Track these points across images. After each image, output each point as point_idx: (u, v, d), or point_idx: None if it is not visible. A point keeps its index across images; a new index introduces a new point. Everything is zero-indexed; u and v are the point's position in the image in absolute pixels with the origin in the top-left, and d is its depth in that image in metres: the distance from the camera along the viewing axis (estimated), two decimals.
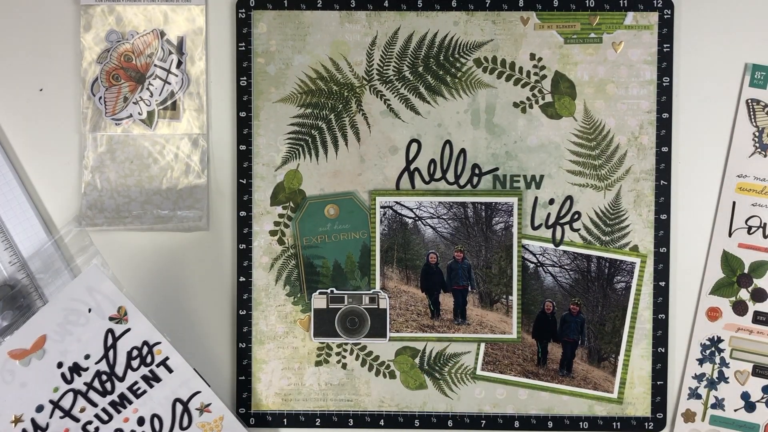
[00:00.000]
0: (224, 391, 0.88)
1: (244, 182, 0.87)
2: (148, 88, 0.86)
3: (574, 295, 0.87)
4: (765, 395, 0.85)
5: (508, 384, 0.87)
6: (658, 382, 0.87)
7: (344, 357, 0.87)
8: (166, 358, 0.82)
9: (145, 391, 0.81)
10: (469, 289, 0.87)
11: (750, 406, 0.85)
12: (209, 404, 0.82)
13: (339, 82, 0.87)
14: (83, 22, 0.87)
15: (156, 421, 0.81)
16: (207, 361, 0.88)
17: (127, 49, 0.86)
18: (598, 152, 0.86)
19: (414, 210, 0.87)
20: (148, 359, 0.81)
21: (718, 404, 0.85)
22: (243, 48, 0.87)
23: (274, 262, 0.87)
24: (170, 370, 0.82)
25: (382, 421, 0.87)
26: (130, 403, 0.81)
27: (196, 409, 0.82)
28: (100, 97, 0.86)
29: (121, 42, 0.86)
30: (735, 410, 0.85)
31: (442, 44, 0.86)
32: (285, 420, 0.87)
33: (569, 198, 0.86)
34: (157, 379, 0.82)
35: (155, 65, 0.86)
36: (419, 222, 0.87)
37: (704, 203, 0.87)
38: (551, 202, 0.87)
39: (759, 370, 0.85)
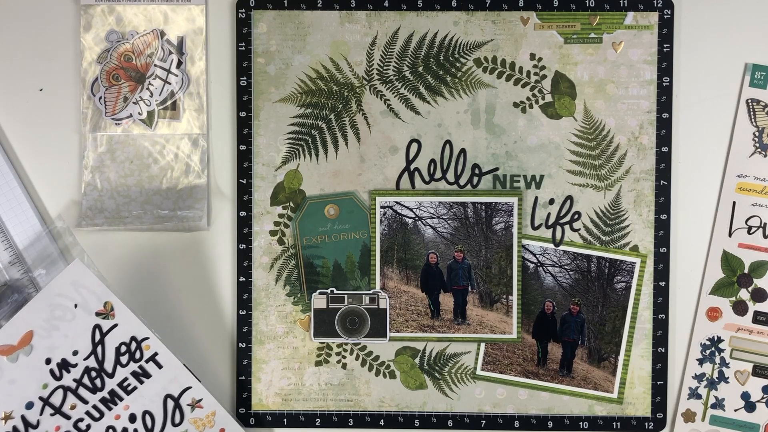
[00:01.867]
0: (224, 391, 0.88)
1: (244, 182, 0.87)
2: (148, 88, 0.86)
3: (574, 295, 0.87)
4: (765, 395, 0.85)
5: (508, 384, 0.87)
6: (658, 382, 0.87)
7: (344, 357, 0.87)
8: (155, 354, 0.81)
9: (135, 388, 0.81)
10: (469, 289, 0.87)
11: (750, 406, 0.85)
12: (201, 399, 0.82)
13: (339, 82, 0.87)
14: (83, 22, 0.87)
15: (148, 418, 0.81)
16: (207, 361, 0.88)
17: (127, 49, 0.86)
18: (598, 152, 0.86)
19: (414, 210, 0.87)
20: (137, 355, 0.81)
21: (718, 404, 0.85)
22: (243, 48, 0.87)
23: (274, 262, 0.87)
24: (159, 366, 0.82)
25: (382, 421, 0.87)
26: (121, 399, 0.81)
27: (188, 404, 0.82)
28: (100, 97, 0.86)
29: (121, 42, 0.86)
30: (735, 410, 0.85)
31: (442, 44, 0.86)
32: (285, 420, 0.87)
33: (569, 198, 0.86)
34: (147, 375, 0.81)
35: (155, 65, 0.86)
36: (419, 222, 0.87)
37: (704, 203, 0.87)
38: (551, 202, 0.87)
39: (759, 370, 0.85)
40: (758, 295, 0.85)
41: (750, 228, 0.84)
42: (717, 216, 0.86)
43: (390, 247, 0.87)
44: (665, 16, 0.86)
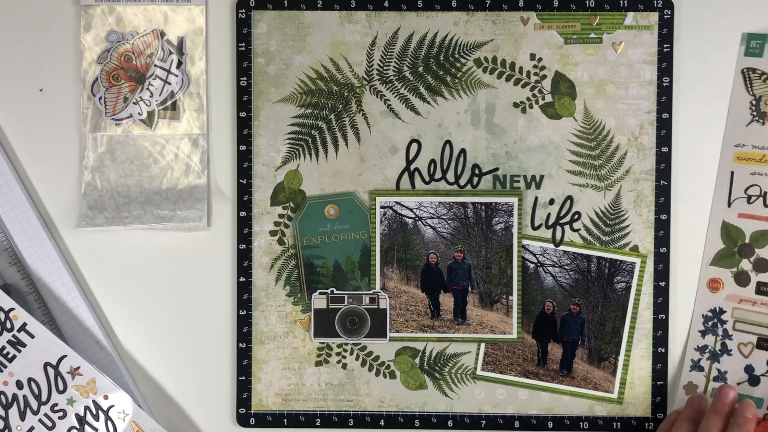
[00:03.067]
0: (224, 391, 0.88)
1: (244, 182, 0.87)
2: (148, 89, 0.86)
3: (574, 295, 0.87)
4: None
5: (508, 384, 0.87)
6: (658, 383, 0.87)
7: (344, 357, 0.87)
8: (24, 324, 0.82)
9: (15, 356, 0.83)
10: (469, 289, 0.87)
11: (754, 380, 0.84)
12: (78, 367, 0.83)
13: (339, 83, 0.87)
14: (83, 22, 0.87)
15: (33, 385, 0.83)
16: (207, 361, 0.87)
17: (127, 49, 0.86)
18: (598, 152, 0.86)
19: (414, 210, 0.87)
20: (8, 325, 0.82)
21: (721, 377, 0.84)
22: (243, 48, 0.87)
23: (274, 262, 0.87)
24: (31, 336, 0.83)
25: (382, 421, 0.87)
26: (5, 367, 0.83)
27: (67, 372, 0.83)
28: (100, 98, 0.86)
29: (121, 42, 0.86)
30: (738, 383, 0.84)
31: (442, 44, 0.86)
32: (285, 420, 0.87)
33: (569, 198, 0.87)
34: (22, 344, 0.82)
35: (155, 65, 0.86)
36: (419, 222, 0.87)
37: (704, 203, 0.87)
38: (551, 202, 0.87)
39: (763, 343, 0.84)
40: (761, 266, 0.83)
41: (750, 197, 0.83)
42: (715, 187, 0.84)
43: (390, 247, 0.87)
44: (665, 16, 0.86)
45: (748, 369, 0.84)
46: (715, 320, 0.84)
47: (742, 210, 0.83)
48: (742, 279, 0.83)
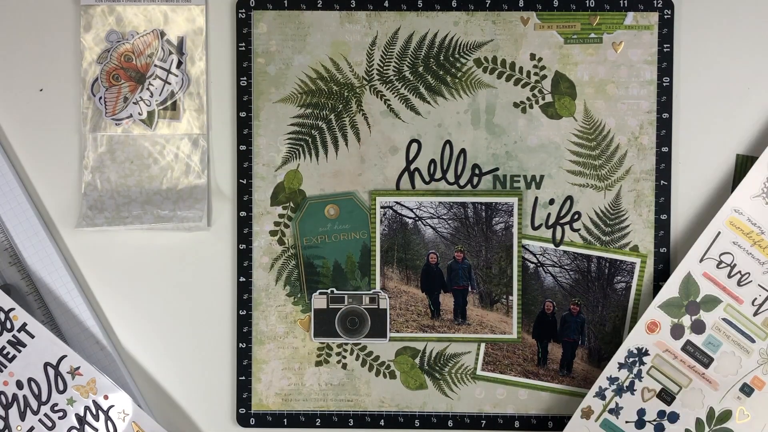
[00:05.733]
0: (224, 391, 0.88)
1: (244, 182, 0.87)
2: (148, 88, 0.86)
3: (575, 295, 0.87)
4: (657, 419, 0.84)
5: (508, 384, 0.87)
6: None
7: (344, 357, 0.87)
8: (24, 324, 0.83)
9: (15, 356, 0.83)
10: (470, 289, 0.87)
11: (641, 424, 0.84)
12: (78, 367, 0.83)
13: (339, 83, 0.87)
14: (83, 22, 0.87)
15: (34, 385, 0.83)
16: (207, 361, 0.87)
17: (127, 49, 0.86)
18: (598, 152, 0.86)
19: (414, 210, 0.87)
20: (8, 325, 0.82)
21: (616, 411, 0.84)
22: (243, 48, 0.87)
23: (275, 262, 0.87)
24: (32, 336, 0.83)
25: (383, 421, 0.87)
26: (5, 367, 0.83)
27: (67, 372, 0.83)
28: (100, 97, 0.86)
29: (121, 42, 0.86)
30: (627, 422, 0.84)
31: (442, 44, 0.86)
32: (285, 420, 0.87)
33: (569, 198, 0.86)
34: (22, 344, 0.83)
35: (155, 65, 0.86)
36: (419, 222, 0.87)
37: (704, 202, 0.87)
38: (551, 202, 0.87)
39: (665, 395, 0.84)
40: (697, 327, 0.84)
41: (720, 263, 0.83)
42: (697, 239, 0.84)
43: (390, 248, 0.87)
44: (665, 16, 0.86)
45: (640, 412, 0.84)
46: (636, 359, 0.84)
47: (708, 271, 0.83)
48: (677, 332, 0.83)
